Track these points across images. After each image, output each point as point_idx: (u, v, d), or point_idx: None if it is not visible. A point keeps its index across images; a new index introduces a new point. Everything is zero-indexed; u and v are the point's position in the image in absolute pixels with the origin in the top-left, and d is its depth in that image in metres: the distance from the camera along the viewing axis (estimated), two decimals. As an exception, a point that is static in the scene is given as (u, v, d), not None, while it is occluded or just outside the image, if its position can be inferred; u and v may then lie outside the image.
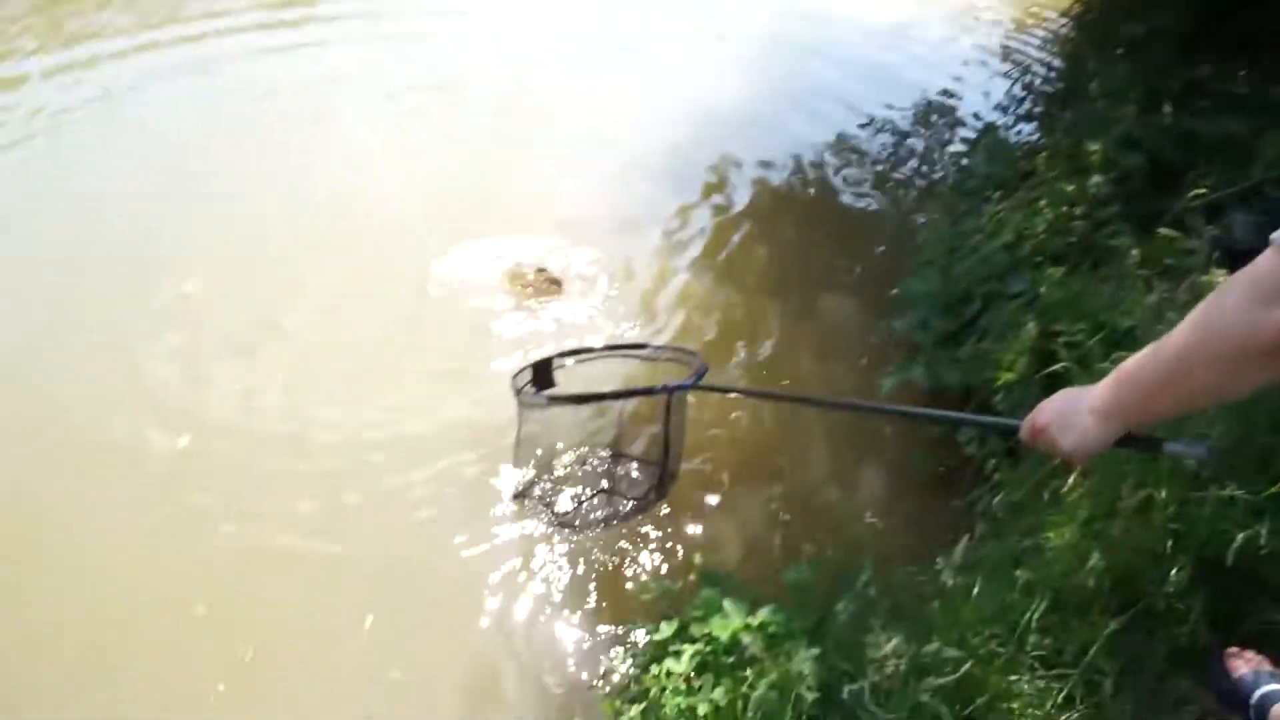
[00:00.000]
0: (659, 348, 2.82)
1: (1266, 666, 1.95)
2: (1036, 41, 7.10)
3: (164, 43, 6.27)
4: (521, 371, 2.48)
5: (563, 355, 2.60)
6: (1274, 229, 1.33)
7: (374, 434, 3.29)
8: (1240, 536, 2.04)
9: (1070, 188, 3.53)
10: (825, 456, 3.28)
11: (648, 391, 2.41)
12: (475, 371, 3.56)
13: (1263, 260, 1.06)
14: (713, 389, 2.52)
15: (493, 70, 6.21)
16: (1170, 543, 2.22)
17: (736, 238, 4.53)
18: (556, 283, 4.01)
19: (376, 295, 3.95)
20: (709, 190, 4.97)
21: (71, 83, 5.65)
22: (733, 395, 3.53)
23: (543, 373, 2.55)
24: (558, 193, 4.76)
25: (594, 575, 2.83)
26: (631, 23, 7.45)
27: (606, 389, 2.50)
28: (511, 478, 2.89)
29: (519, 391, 2.39)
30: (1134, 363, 1.21)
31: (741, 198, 4.92)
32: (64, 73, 5.77)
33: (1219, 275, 2.62)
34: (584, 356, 2.69)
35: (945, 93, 6.24)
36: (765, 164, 5.23)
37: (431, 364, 3.62)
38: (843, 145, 5.55)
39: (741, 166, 5.19)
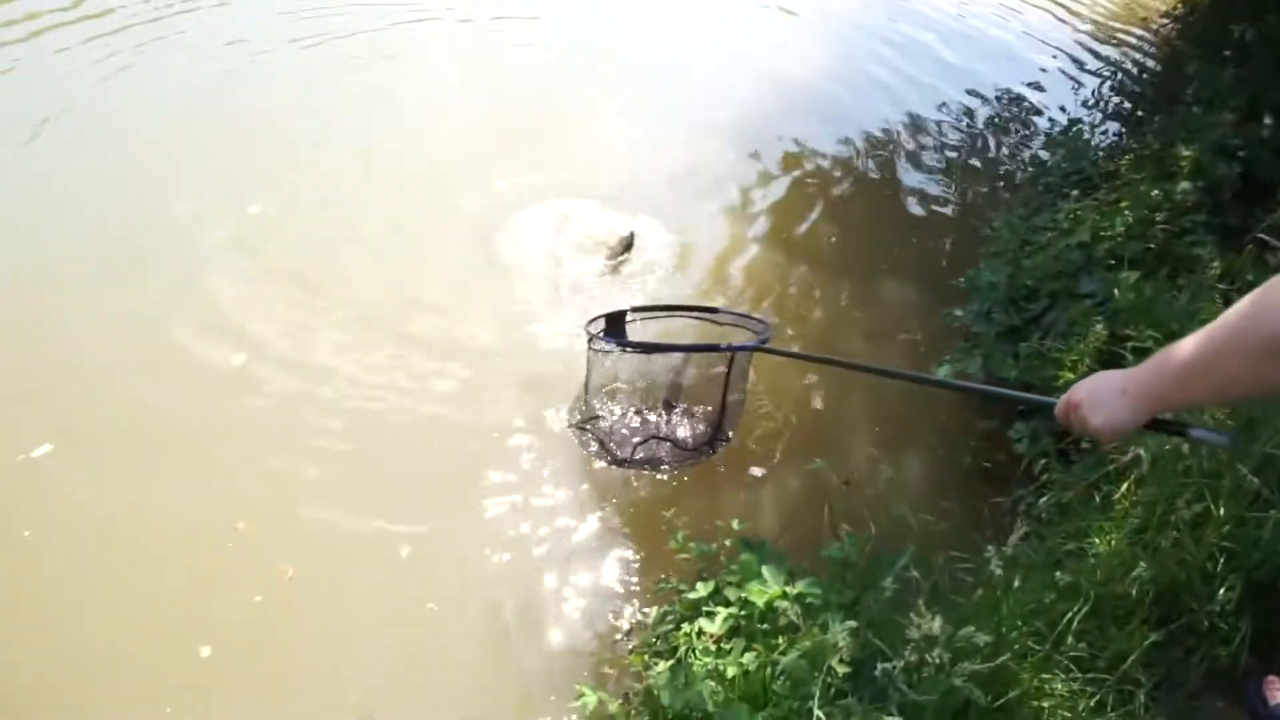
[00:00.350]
0: (729, 312, 2.85)
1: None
2: (1133, 40, 6.87)
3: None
4: (595, 320, 2.54)
5: (636, 310, 2.66)
6: None
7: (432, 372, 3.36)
8: (1297, 558, 1.98)
9: (1155, 192, 3.44)
10: (872, 440, 3.26)
11: (713, 348, 2.45)
12: (541, 322, 3.59)
13: None
14: (775, 352, 2.53)
15: (572, 18, 6.18)
16: (1222, 560, 2.18)
17: (805, 213, 4.48)
18: (628, 245, 3.97)
19: (440, 243, 3.97)
20: (780, 163, 4.91)
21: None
22: (793, 363, 3.50)
23: (615, 323, 2.62)
24: (627, 151, 4.74)
25: (635, 528, 2.85)
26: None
27: (676, 344, 2.57)
28: (572, 415, 2.96)
29: (592, 338, 2.45)
30: (1173, 349, 1.20)
31: (812, 173, 4.86)
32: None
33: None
34: (656, 315, 2.75)
35: (1032, 85, 6.08)
36: (840, 140, 5.15)
37: (501, 310, 3.65)
38: (918, 129, 5.44)
39: (814, 142, 5.12)
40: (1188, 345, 1.18)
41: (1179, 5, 6.51)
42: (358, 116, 4.82)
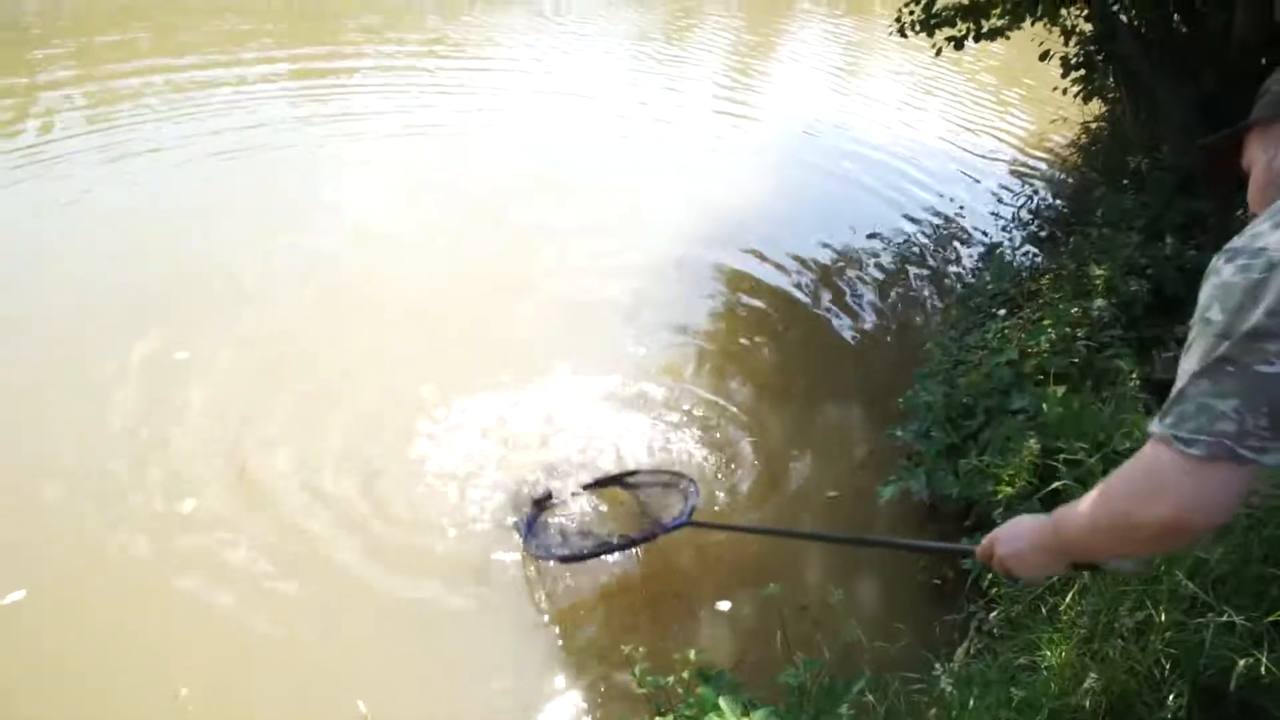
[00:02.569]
0: (651, 472, 3.04)
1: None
2: (1044, 168, 7.37)
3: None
4: (520, 518, 2.71)
5: (557, 493, 2.86)
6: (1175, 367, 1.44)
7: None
8: (1241, 664, 2.02)
9: (1074, 309, 3.64)
10: (825, 561, 3.28)
11: (648, 537, 2.62)
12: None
13: (1144, 453, 1.18)
14: (703, 525, 2.71)
15: (500, 170, 6.48)
16: (1168, 666, 2.22)
17: (743, 340, 4.62)
18: (545, 500, 3.34)
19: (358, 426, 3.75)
20: (718, 292, 5.10)
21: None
22: (743, 478, 3.58)
23: (542, 505, 2.82)
24: (565, 293, 4.88)
25: (588, 662, 2.81)
26: (636, 129, 7.80)
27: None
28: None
29: (524, 538, 2.61)
30: (1067, 517, 1.35)
31: (751, 300, 5.04)
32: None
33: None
34: (581, 489, 2.96)
35: (959, 209, 6.44)
36: (777, 267, 5.38)
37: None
38: (853, 254, 5.72)
39: (752, 270, 5.34)
40: (1074, 516, 1.33)
41: (1082, 136, 7.02)
42: (302, 266, 4.92)
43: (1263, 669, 2.01)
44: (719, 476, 3.59)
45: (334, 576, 3.05)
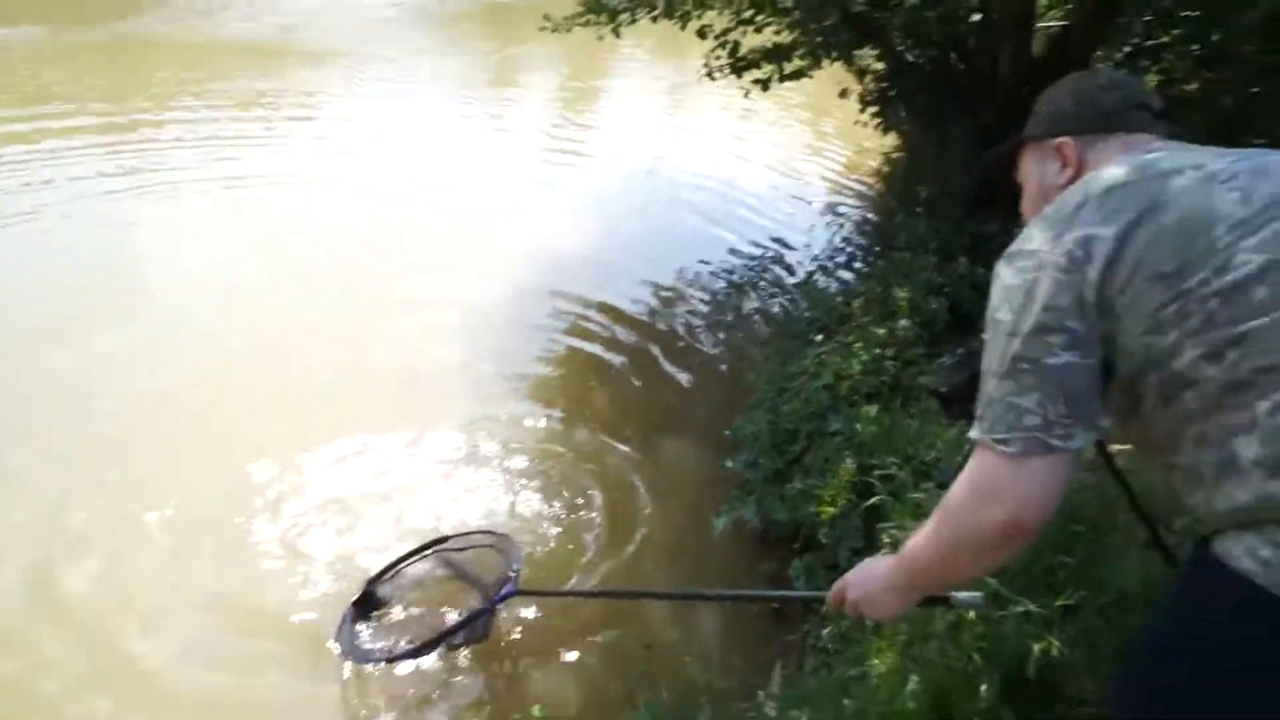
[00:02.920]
0: (465, 535, 3.04)
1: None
2: (856, 196, 7.84)
3: None
4: (343, 624, 2.66)
5: (373, 581, 2.82)
6: (956, 374, 1.58)
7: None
8: (1036, 649, 2.19)
9: (882, 331, 3.88)
10: (651, 541, 3.35)
11: (475, 616, 2.62)
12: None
13: (974, 462, 1.25)
14: (532, 594, 2.71)
15: (329, 223, 6.36)
16: (979, 660, 2.39)
17: (582, 383, 4.68)
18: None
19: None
20: (556, 336, 5.15)
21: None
22: (579, 531, 3.60)
23: (364, 603, 2.78)
24: (397, 350, 4.81)
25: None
26: (468, 174, 7.82)
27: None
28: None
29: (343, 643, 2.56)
30: (912, 548, 1.41)
31: (588, 343, 5.11)
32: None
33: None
34: (395, 570, 2.93)
35: (778, 240, 6.75)
36: (608, 309, 5.48)
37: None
38: (687, 289, 5.90)
39: (589, 311, 5.42)
40: (919, 546, 1.39)
41: (884, 165, 7.54)
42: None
43: (1054, 650, 2.19)
44: (560, 527, 3.60)
45: (149, 686, 2.86)
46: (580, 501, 3.75)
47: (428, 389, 4.45)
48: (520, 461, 3.97)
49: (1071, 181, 1.36)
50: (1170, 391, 1.14)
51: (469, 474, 3.87)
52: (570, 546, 3.51)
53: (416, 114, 9.92)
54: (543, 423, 4.31)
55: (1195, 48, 5.18)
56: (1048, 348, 1.17)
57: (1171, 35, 5.38)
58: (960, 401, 1.47)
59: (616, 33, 6.38)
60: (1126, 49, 5.94)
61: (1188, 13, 4.88)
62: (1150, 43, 5.62)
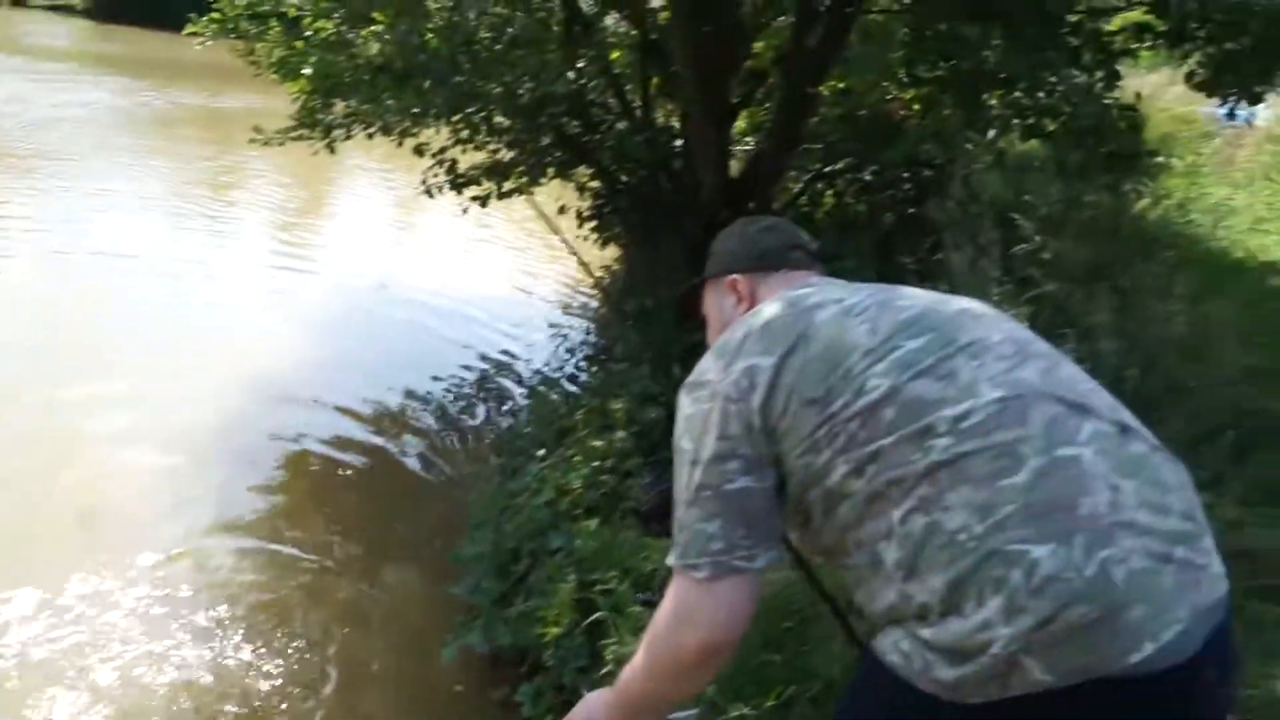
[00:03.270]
0: None
1: None
2: (581, 308, 8.10)
3: None
4: None
5: None
6: (650, 493, 1.65)
7: None
8: (751, 753, 2.23)
9: (600, 443, 3.96)
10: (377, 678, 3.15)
11: None
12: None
13: (672, 588, 1.30)
14: None
15: (15, 344, 5.65)
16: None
17: (293, 512, 4.37)
18: None
19: None
20: (271, 464, 4.81)
21: None
22: (300, 669, 3.31)
23: None
24: (91, 487, 4.32)
25: None
26: (184, 288, 7.31)
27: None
28: None
29: None
30: (626, 678, 1.42)
31: (300, 467, 4.82)
32: None
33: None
34: None
35: (507, 354, 6.79)
36: (327, 431, 5.21)
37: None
38: (414, 407, 5.75)
39: (301, 434, 5.13)
40: (632, 678, 1.39)
41: (605, 277, 7.87)
42: None
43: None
44: (276, 677, 3.31)
45: None
46: (298, 644, 3.47)
47: (125, 535, 3.98)
48: (230, 604, 3.62)
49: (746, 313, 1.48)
50: (830, 504, 1.24)
51: (169, 624, 3.48)
52: (291, 692, 3.23)
53: (127, 224, 9.09)
54: (257, 557, 3.98)
55: (861, 176, 5.93)
56: (725, 475, 1.24)
57: (843, 163, 6.12)
58: (658, 519, 1.53)
59: (331, 149, 6.28)
60: (810, 173, 6.68)
61: (849, 146, 5.58)
62: (828, 169, 6.36)
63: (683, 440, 1.30)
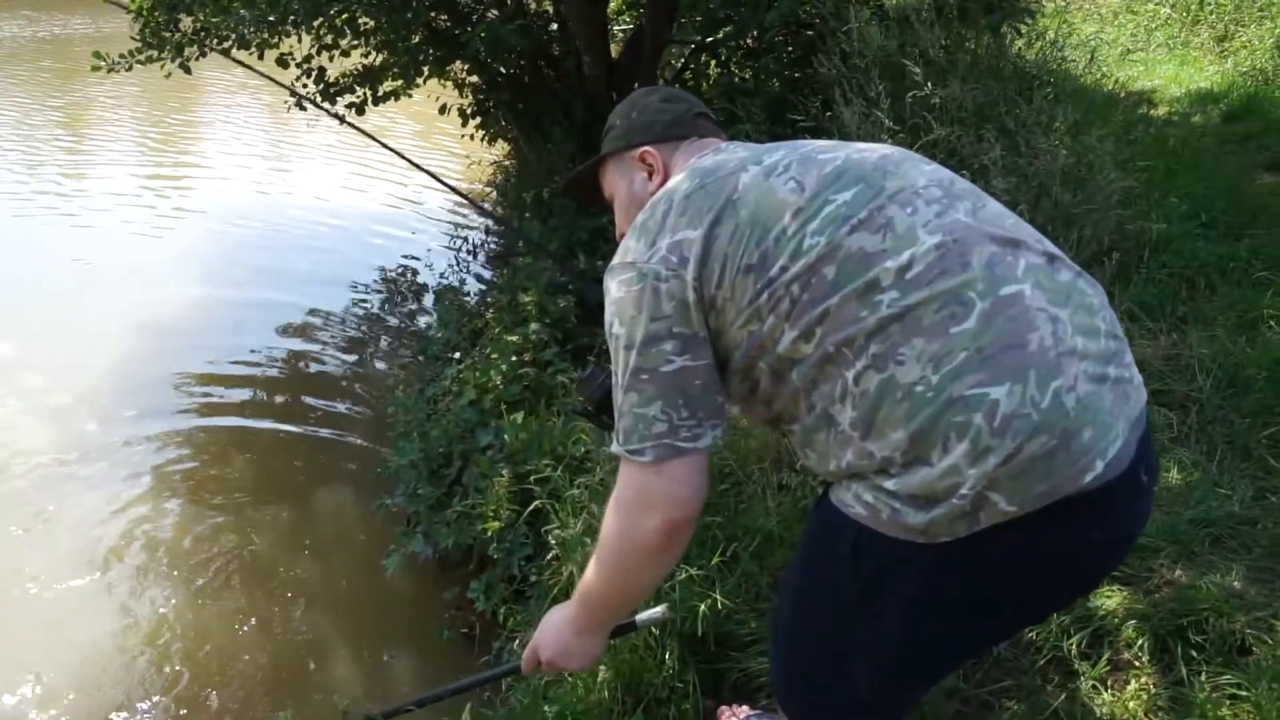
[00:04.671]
0: None
1: (751, 711, 2.22)
2: (473, 211, 7.89)
3: None
4: None
5: None
6: (590, 386, 1.62)
7: None
8: (702, 607, 2.33)
9: (515, 338, 3.93)
10: (351, 655, 3.17)
11: None
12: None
13: (621, 477, 1.28)
14: None
15: None
16: (657, 631, 2.51)
17: (211, 462, 4.24)
18: None
19: None
20: (177, 411, 4.63)
21: None
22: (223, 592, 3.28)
23: None
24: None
25: None
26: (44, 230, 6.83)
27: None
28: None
29: None
30: (586, 584, 1.40)
31: (205, 410, 4.67)
32: None
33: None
34: None
35: (407, 264, 6.61)
36: (232, 373, 5.04)
37: None
38: (312, 335, 5.58)
39: (204, 382, 4.95)
40: (594, 579, 1.37)
41: (497, 174, 7.67)
42: None
43: (719, 604, 2.35)
44: (223, 617, 3.27)
45: None
46: (243, 583, 3.44)
47: (37, 490, 3.83)
48: (161, 553, 3.55)
49: (660, 188, 1.41)
50: (779, 371, 1.23)
51: (106, 581, 3.40)
52: (242, 628, 3.22)
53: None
54: (181, 505, 3.88)
55: (744, 42, 5.83)
56: (661, 356, 1.21)
57: (724, 33, 6.00)
58: (604, 413, 1.49)
59: (186, 69, 5.84)
60: (691, 46, 6.54)
61: (728, 14, 5.47)
62: (709, 39, 6.23)
63: (614, 325, 1.25)
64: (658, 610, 1.73)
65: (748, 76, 5.89)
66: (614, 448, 1.27)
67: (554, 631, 1.48)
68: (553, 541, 2.68)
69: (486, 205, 7.11)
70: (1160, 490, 2.43)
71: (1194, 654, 2.01)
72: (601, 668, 2.45)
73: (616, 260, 1.29)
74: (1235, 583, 2.18)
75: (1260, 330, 3.20)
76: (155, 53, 5.67)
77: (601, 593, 1.38)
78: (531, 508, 2.92)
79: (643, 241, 1.26)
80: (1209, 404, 2.89)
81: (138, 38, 5.69)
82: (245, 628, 3.25)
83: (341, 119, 5.87)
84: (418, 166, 5.31)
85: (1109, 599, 2.21)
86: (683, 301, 1.21)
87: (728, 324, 1.23)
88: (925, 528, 1.13)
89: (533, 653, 1.52)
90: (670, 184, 1.34)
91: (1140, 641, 2.08)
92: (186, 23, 5.65)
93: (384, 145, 5.23)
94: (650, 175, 1.50)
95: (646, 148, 1.50)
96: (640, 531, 1.25)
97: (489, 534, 2.97)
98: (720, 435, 1.26)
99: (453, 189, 5.72)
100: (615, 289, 1.26)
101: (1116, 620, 2.16)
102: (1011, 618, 1.33)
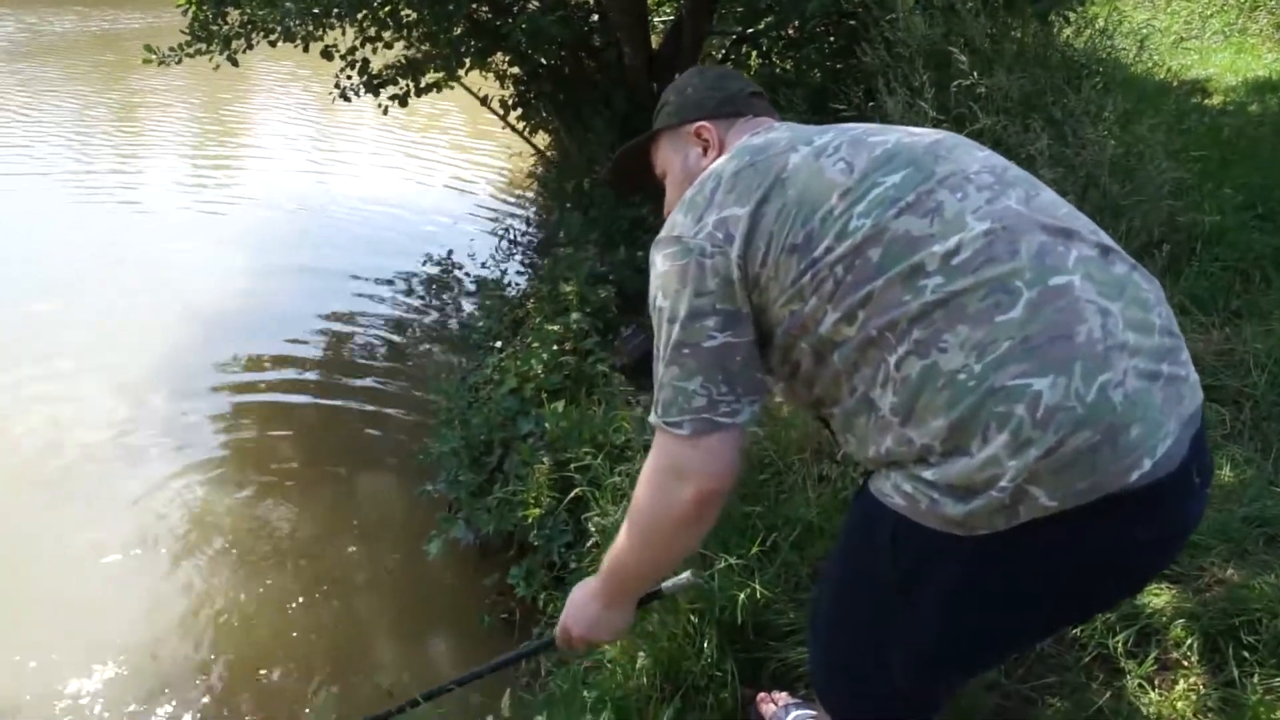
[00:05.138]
0: None
1: (790, 699, 2.22)
2: (520, 199, 7.95)
3: None
4: None
5: None
6: (631, 344, 1.64)
7: None
8: (742, 595, 2.33)
9: (556, 327, 3.95)
10: (394, 638, 3.22)
11: None
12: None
13: (655, 446, 1.28)
14: None
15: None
16: (696, 620, 2.52)
17: (258, 445, 4.32)
18: None
19: None
20: (222, 399, 4.72)
21: None
22: (272, 584, 3.34)
23: None
24: (24, 448, 4.22)
25: None
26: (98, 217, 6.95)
27: None
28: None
29: None
30: (615, 554, 1.41)
31: (251, 397, 4.76)
32: None
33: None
34: None
35: (451, 255, 6.66)
36: (278, 356, 5.12)
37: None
38: (362, 320, 5.66)
39: (260, 358, 5.05)
40: (622, 550, 1.38)
41: (538, 165, 7.70)
42: None
43: (758, 594, 2.35)
44: (265, 598, 3.34)
45: None
46: (287, 564, 3.50)
47: (75, 490, 3.91)
48: (210, 534, 3.63)
49: (713, 163, 1.40)
50: (821, 353, 1.22)
51: (154, 561, 3.48)
52: (287, 608, 3.28)
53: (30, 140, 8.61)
54: (228, 487, 3.96)
55: (785, 33, 5.79)
56: (704, 331, 1.21)
57: (765, 23, 5.97)
58: (645, 373, 1.51)
59: (233, 61, 5.93)
60: (732, 36, 6.52)
61: (769, 4, 5.44)
62: (750, 30, 6.21)
63: (658, 298, 1.26)
64: (684, 576, 1.74)
65: (789, 67, 5.85)
66: (651, 418, 1.28)
67: (581, 606, 1.51)
68: (592, 529, 2.70)
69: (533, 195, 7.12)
70: (1212, 488, 2.38)
71: (1246, 655, 1.96)
72: (640, 654, 2.47)
73: (663, 234, 1.30)
74: (1290, 583, 2.13)
75: (1318, 325, 3.12)
76: (204, 45, 5.77)
77: (631, 563, 1.39)
78: (572, 495, 2.93)
79: (690, 216, 1.27)
80: (1264, 400, 2.82)
81: (187, 31, 5.79)
82: (292, 606, 3.31)
83: (415, 91, 5.92)
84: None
85: (1157, 597, 2.17)
86: (727, 278, 1.22)
87: (770, 301, 1.23)
88: (964, 519, 1.12)
89: (564, 629, 1.55)
90: (719, 161, 1.34)
91: (1189, 641, 2.04)
92: (234, 15, 5.75)
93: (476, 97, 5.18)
94: (705, 150, 1.50)
95: (702, 123, 1.50)
96: (673, 501, 1.26)
97: (529, 521, 3.00)
98: (758, 411, 1.27)
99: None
100: (660, 262, 1.27)
101: (1165, 619, 2.12)
102: (1053, 613, 1.31)
